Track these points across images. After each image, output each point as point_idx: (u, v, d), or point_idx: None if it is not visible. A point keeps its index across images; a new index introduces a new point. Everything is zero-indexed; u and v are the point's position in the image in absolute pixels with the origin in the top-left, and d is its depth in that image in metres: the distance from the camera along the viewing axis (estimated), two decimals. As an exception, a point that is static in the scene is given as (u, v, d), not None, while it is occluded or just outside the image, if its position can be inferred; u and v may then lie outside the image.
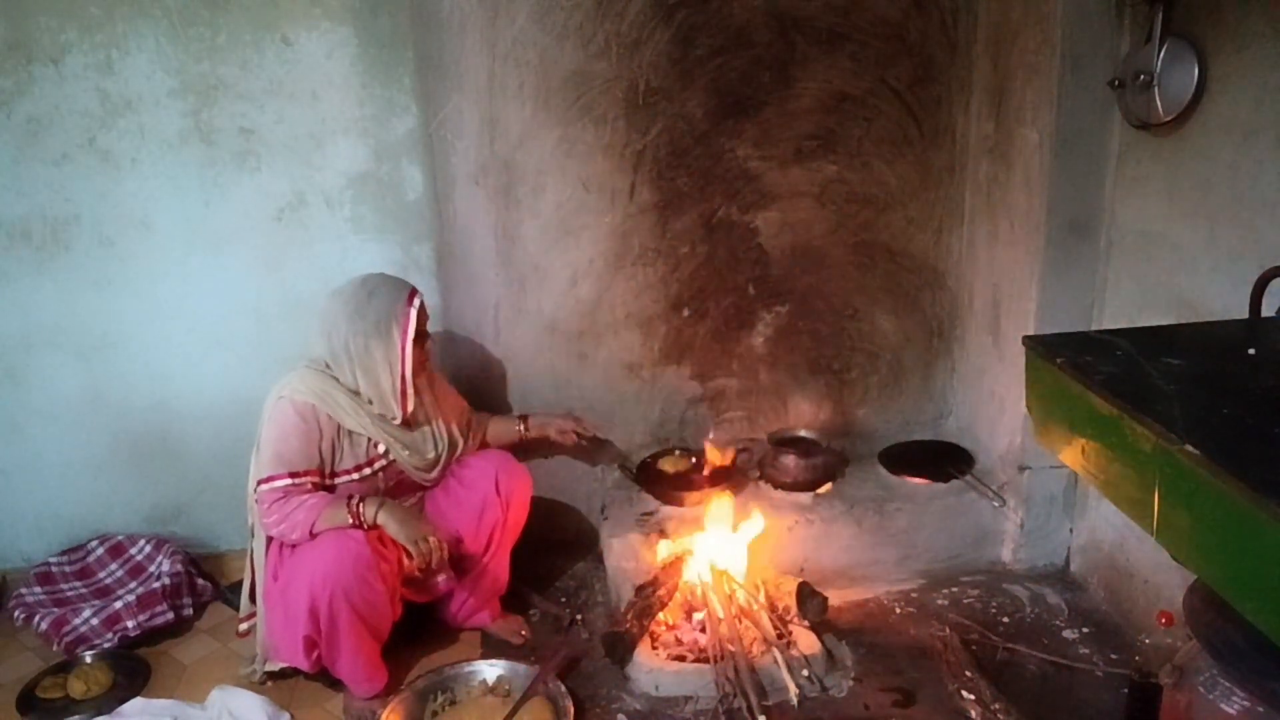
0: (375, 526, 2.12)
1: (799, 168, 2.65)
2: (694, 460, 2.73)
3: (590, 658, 2.35)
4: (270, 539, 2.19)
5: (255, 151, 2.54)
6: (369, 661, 2.20)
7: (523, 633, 2.45)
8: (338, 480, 2.22)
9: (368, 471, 2.24)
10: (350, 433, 2.20)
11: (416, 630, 2.39)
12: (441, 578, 2.21)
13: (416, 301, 2.21)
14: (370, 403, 2.21)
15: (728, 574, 2.39)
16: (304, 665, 2.19)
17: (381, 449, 2.25)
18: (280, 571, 2.17)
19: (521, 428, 2.59)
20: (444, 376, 2.55)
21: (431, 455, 2.35)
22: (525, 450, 2.62)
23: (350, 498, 2.13)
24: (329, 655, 2.17)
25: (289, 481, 2.11)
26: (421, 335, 2.23)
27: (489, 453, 2.49)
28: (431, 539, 2.12)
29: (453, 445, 2.41)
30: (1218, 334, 1.57)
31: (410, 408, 2.22)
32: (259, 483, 2.13)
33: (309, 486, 2.14)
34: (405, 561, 2.18)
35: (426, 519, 2.27)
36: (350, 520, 2.10)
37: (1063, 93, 2.25)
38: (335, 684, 2.26)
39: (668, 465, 2.72)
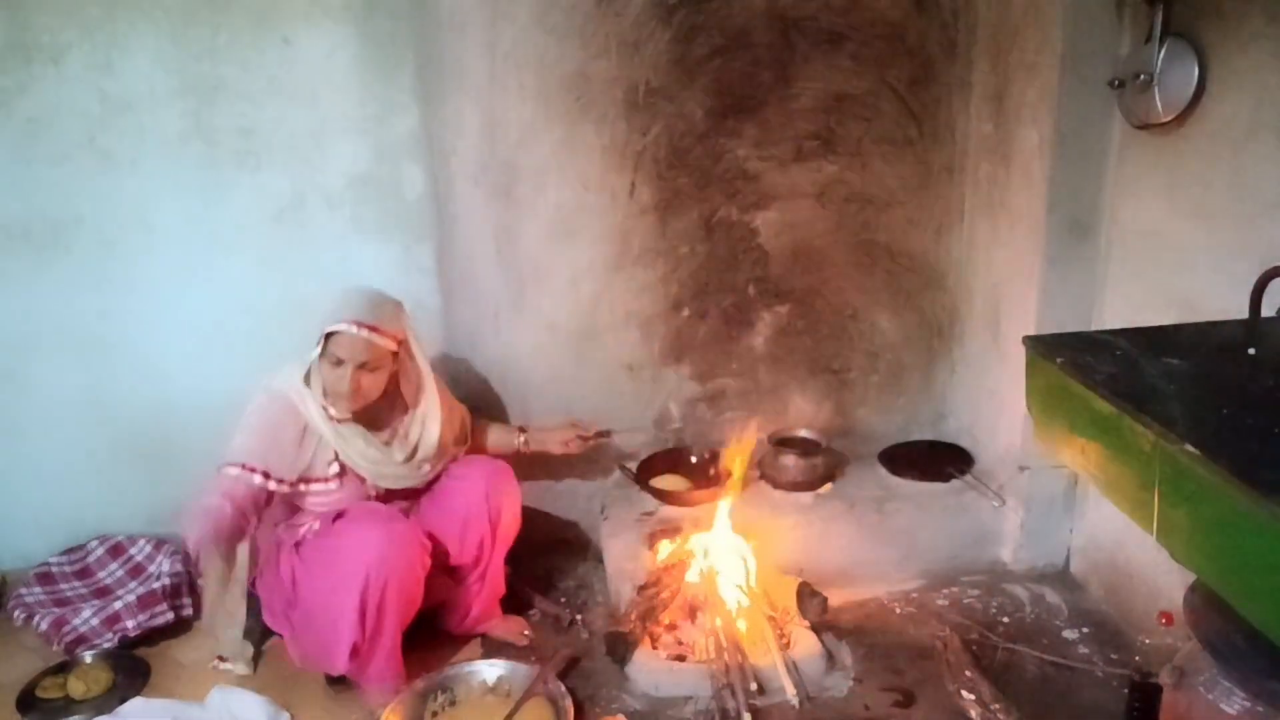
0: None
1: (799, 168, 2.65)
2: (694, 461, 2.74)
3: (590, 658, 2.35)
4: (258, 558, 2.21)
5: (255, 151, 2.54)
6: (396, 660, 2.18)
7: (525, 633, 2.45)
8: (311, 487, 2.18)
9: (334, 486, 2.20)
10: (319, 436, 2.16)
11: (416, 631, 2.38)
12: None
13: (337, 327, 2.07)
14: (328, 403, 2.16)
15: (727, 574, 2.38)
16: (343, 671, 2.15)
17: (334, 469, 2.18)
18: (303, 585, 2.13)
19: (520, 440, 2.54)
20: (443, 383, 2.44)
21: (400, 457, 2.25)
22: (526, 462, 2.57)
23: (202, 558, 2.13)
24: (367, 655, 2.13)
25: (236, 471, 2.07)
26: (338, 360, 2.09)
27: (478, 462, 2.41)
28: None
29: (440, 452, 2.33)
30: (1218, 334, 1.57)
31: (345, 413, 2.15)
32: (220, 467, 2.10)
33: (247, 486, 2.07)
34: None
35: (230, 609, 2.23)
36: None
37: (1063, 93, 2.25)
38: (334, 681, 2.26)
39: (663, 485, 2.67)
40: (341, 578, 2.05)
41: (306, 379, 2.16)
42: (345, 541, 2.10)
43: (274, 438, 2.12)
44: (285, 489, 2.14)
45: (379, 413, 2.24)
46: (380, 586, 2.04)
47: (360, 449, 2.19)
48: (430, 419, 2.29)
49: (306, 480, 2.18)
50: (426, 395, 2.29)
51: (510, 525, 2.39)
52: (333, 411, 2.15)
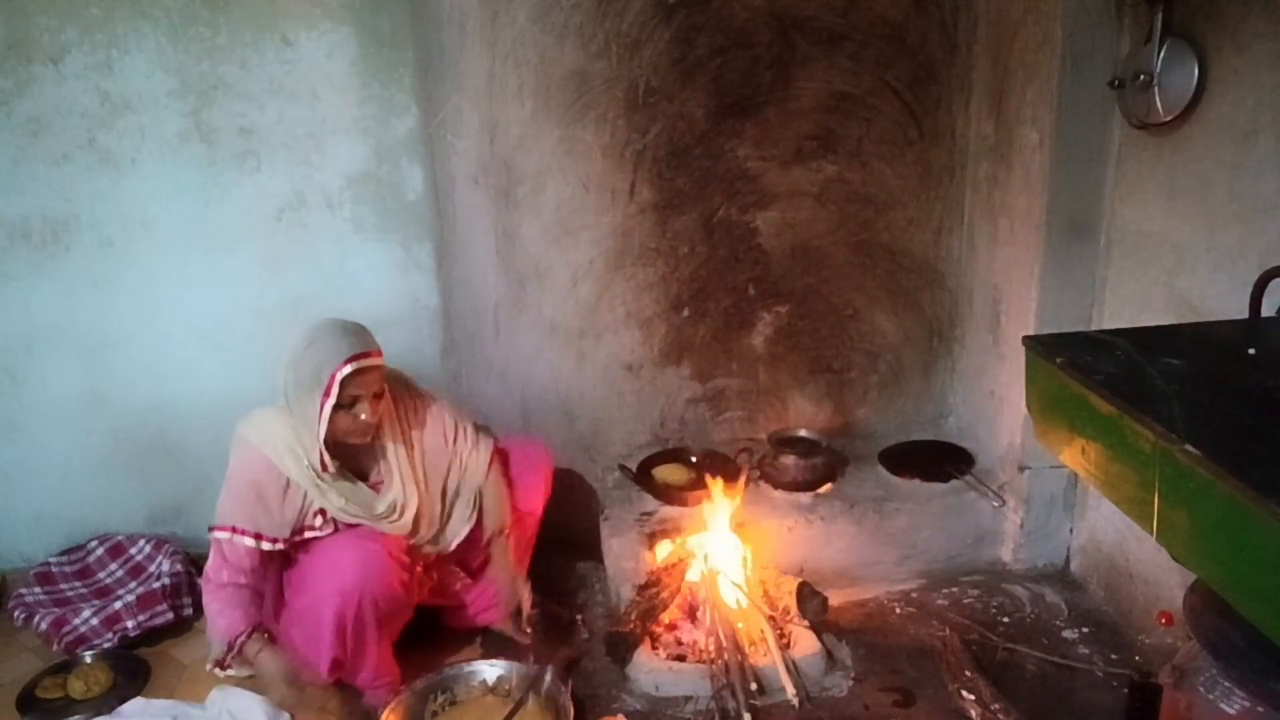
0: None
1: (799, 168, 2.66)
2: (694, 461, 2.74)
3: (590, 658, 2.35)
4: None
5: (255, 151, 2.55)
6: (387, 665, 2.19)
7: (526, 631, 2.45)
8: (305, 535, 2.12)
9: (329, 531, 2.11)
10: (303, 490, 2.06)
11: (417, 631, 2.38)
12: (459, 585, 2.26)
13: (348, 368, 1.95)
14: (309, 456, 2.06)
15: (727, 574, 2.38)
16: (329, 679, 2.14)
17: (319, 520, 2.10)
18: (288, 595, 2.13)
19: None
20: (440, 402, 2.32)
21: (381, 509, 2.14)
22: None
23: (238, 636, 2.02)
24: (352, 667, 2.13)
25: (227, 535, 2.04)
26: (353, 399, 1.99)
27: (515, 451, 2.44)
28: (306, 691, 2.05)
29: (440, 501, 2.26)
30: (1218, 334, 1.57)
31: (329, 469, 2.06)
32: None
33: (245, 549, 2.04)
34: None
35: (299, 674, 2.07)
36: (224, 654, 2.04)
37: (1063, 93, 2.25)
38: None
39: (665, 475, 2.67)
40: (319, 598, 2.05)
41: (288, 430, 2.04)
42: (319, 563, 2.08)
43: (258, 497, 2.04)
44: (281, 546, 2.09)
45: (359, 452, 2.13)
46: (355, 607, 2.03)
47: (339, 505, 2.09)
48: (401, 456, 2.18)
49: (300, 532, 2.11)
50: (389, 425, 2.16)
51: (534, 519, 2.46)
52: (316, 464, 2.04)
